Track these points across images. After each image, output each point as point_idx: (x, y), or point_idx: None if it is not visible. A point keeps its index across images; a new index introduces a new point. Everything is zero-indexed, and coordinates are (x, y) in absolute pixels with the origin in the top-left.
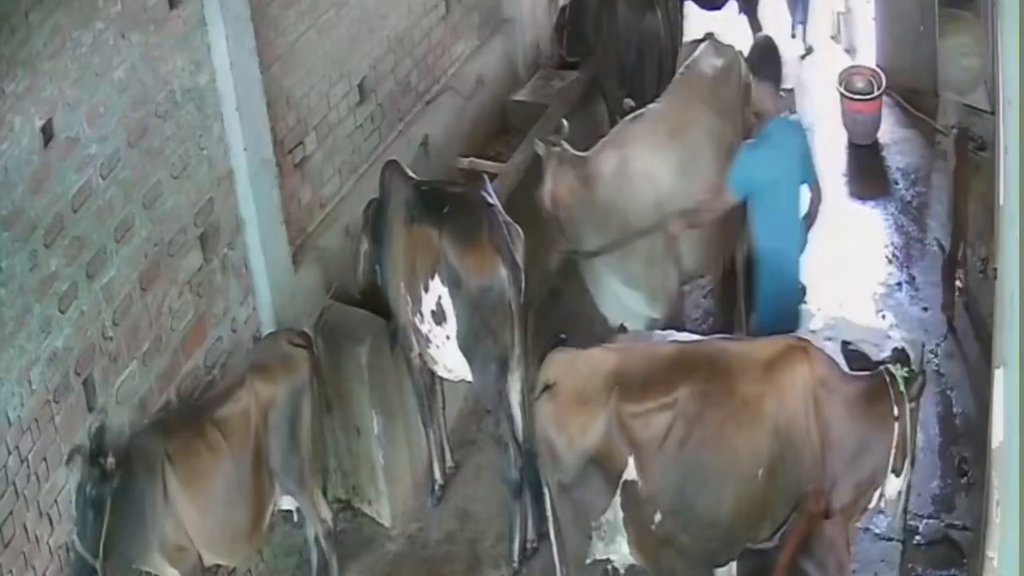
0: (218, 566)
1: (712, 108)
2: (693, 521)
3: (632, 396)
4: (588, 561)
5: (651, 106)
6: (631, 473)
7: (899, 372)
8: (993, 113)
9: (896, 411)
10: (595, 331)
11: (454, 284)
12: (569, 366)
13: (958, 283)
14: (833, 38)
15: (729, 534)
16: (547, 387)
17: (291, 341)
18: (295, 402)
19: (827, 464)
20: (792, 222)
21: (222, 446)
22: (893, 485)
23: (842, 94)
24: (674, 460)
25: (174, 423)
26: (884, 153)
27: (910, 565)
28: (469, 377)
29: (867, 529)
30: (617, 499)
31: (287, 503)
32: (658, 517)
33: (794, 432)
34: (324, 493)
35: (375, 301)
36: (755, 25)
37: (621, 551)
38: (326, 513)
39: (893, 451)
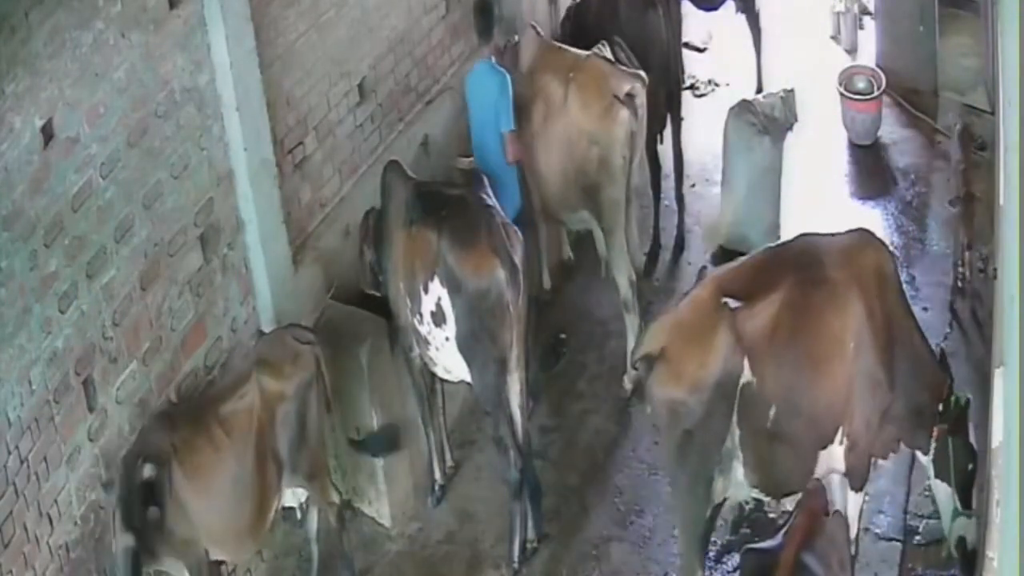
0: (221, 562)
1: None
2: (802, 406)
3: (743, 304)
4: (707, 514)
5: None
6: (747, 375)
7: (960, 395)
8: (993, 113)
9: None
10: (595, 331)
11: (453, 286)
12: (672, 323)
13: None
14: (833, 38)
15: (830, 413)
16: (651, 359)
17: (298, 338)
18: (304, 397)
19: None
20: (487, 140)
21: (225, 442)
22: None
23: (842, 94)
24: (784, 350)
25: (179, 417)
26: (884, 153)
27: (910, 565)
28: (468, 378)
29: (867, 529)
30: (734, 418)
31: (289, 500)
32: (772, 412)
33: (868, 311)
34: (331, 480)
35: (375, 301)
36: (753, 24)
37: (737, 478)
38: (335, 496)
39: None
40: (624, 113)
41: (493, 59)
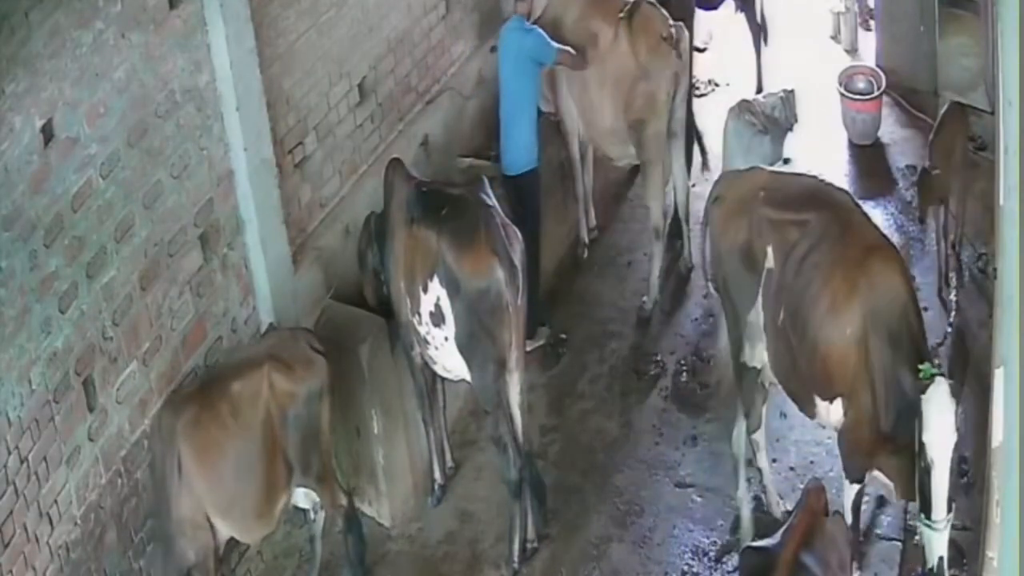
0: (229, 556)
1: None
2: (805, 337)
3: (774, 204)
4: (742, 360)
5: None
6: (771, 262)
7: (927, 369)
8: (993, 113)
9: None
10: (595, 331)
11: (452, 286)
12: (733, 182)
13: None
14: (833, 38)
15: (825, 368)
16: (716, 200)
17: (311, 344)
18: (314, 404)
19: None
20: (508, 89)
21: (231, 422)
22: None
23: (842, 94)
24: (796, 270)
25: (188, 397)
26: (884, 153)
27: (910, 565)
28: (469, 378)
29: (867, 529)
30: (760, 297)
31: (302, 501)
32: (783, 315)
33: (875, 315)
34: (338, 481)
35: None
36: (753, 24)
37: (761, 356)
38: (343, 499)
39: None
40: (670, 51)
41: (525, 19)
